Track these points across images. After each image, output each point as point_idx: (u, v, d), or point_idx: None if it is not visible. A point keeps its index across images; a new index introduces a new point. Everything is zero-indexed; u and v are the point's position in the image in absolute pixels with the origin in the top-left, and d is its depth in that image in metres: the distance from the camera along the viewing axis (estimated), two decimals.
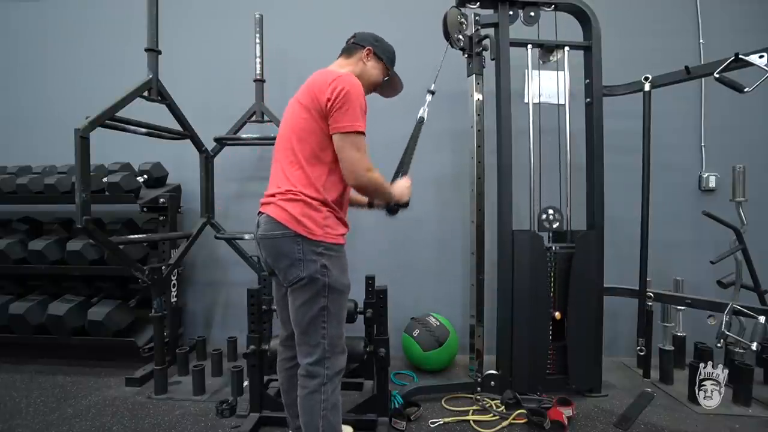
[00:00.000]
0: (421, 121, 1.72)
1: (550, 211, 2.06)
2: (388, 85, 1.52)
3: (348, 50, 1.42)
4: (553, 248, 2.05)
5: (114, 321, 2.34)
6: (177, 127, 2.29)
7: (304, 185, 1.22)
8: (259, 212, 1.31)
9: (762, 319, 1.81)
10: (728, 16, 2.64)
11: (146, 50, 2.04)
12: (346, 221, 1.33)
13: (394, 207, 1.45)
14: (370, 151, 1.26)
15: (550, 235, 2.11)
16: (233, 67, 2.79)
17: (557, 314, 2.03)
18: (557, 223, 2.06)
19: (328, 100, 1.18)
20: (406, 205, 1.45)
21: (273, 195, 1.26)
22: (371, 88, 1.44)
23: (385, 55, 1.44)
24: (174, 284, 2.53)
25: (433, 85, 1.79)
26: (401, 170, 1.56)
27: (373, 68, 1.41)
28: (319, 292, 1.21)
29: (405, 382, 2.29)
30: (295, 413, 1.46)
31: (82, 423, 1.82)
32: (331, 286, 1.22)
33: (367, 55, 1.40)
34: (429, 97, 1.77)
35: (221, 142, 2.54)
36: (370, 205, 1.57)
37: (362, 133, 1.21)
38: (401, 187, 1.42)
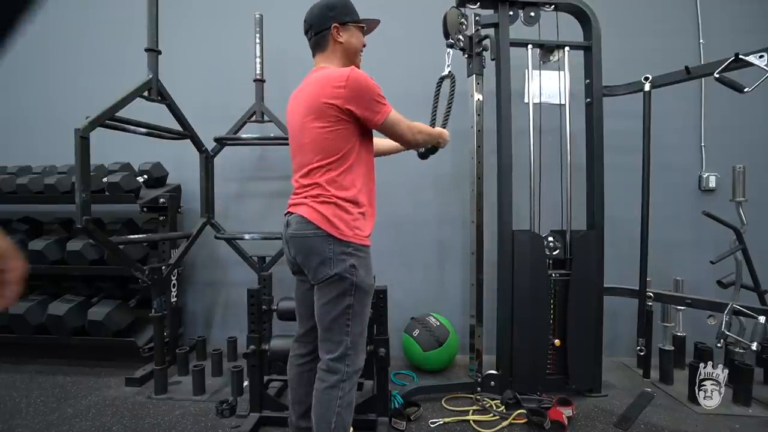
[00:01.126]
0: (453, 78, 1.77)
1: (550, 238, 2.07)
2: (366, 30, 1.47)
3: (318, 44, 1.36)
4: (553, 275, 2.05)
5: (114, 321, 2.34)
6: (177, 127, 2.29)
7: (336, 187, 1.26)
8: (288, 212, 1.35)
9: (762, 319, 1.81)
10: (728, 16, 2.64)
11: (146, 50, 2.04)
12: (374, 214, 1.37)
13: (424, 153, 1.56)
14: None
15: (551, 262, 2.09)
16: (233, 67, 2.79)
17: (557, 341, 2.03)
18: (557, 251, 2.06)
19: (348, 100, 1.22)
20: (435, 151, 1.55)
21: (305, 196, 1.29)
22: (360, 50, 1.40)
23: (347, 16, 1.35)
24: (174, 284, 2.53)
25: (449, 40, 1.88)
26: (442, 123, 1.64)
27: (349, 38, 1.35)
28: (346, 291, 1.26)
29: (405, 382, 2.29)
30: (300, 411, 1.46)
31: (82, 423, 1.82)
32: (357, 285, 1.26)
33: (336, 32, 1.33)
34: (451, 51, 1.84)
35: (221, 142, 2.54)
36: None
37: (391, 109, 1.30)
38: (443, 132, 1.53)
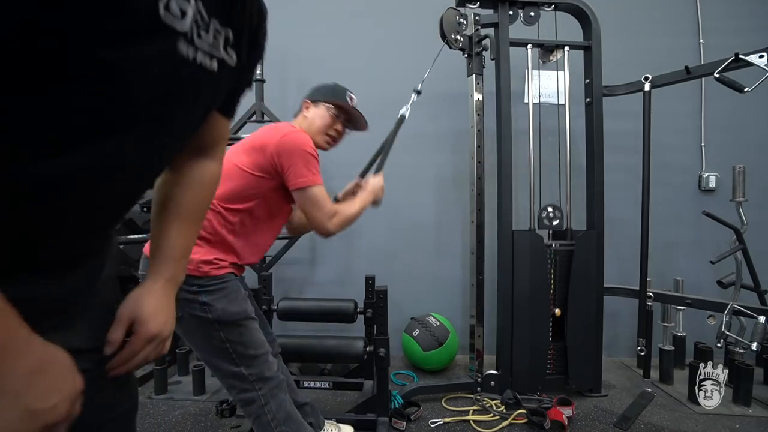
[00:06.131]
0: (402, 119, 1.64)
1: (550, 209, 2.07)
2: (348, 120, 1.43)
3: (297, 112, 1.44)
4: (553, 245, 2.05)
5: None
6: None
7: (208, 220, 1.18)
8: None
9: (762, 319, 1.82)
10: (728, 16, 2.64)
11: None
12: (240, 252, 1.23)
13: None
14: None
15: (550, 232, 2.10)
16: None
17: (557, 311, 2.03)
18: (557, 221, 2.06)
19: (274, 156, 1.19)
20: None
21: None
22: (323, 131, 1.37)
23: (321, 96, 1.38)
24: None
25: (419, 86, 1.71)
26: (376, 167, 1.53)
27: (315, 116, 1.38)
28: (208, 330, 1.14)
29: (405, 382, 2.29)
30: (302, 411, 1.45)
31: None
32: (219, 320, 1.13)
33: (306, 107, 1.39)
34: (414, 97, 1.69)
35: None
36: None
37: (318, 184, 1.21)
38: (375, 188, 1.42)
